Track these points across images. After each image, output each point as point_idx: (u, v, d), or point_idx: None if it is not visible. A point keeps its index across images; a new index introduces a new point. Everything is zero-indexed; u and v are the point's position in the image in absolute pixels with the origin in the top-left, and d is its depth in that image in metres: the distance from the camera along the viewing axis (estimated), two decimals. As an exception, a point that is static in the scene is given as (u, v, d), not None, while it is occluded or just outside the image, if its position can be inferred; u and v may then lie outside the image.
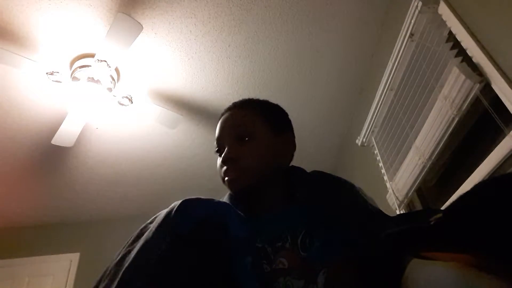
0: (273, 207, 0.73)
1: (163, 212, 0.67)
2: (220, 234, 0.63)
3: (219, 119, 0.83)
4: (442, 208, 0.44)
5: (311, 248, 0.64)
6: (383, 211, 0.71)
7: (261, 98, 0.86)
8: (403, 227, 0.40)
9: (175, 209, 0.65)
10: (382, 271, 0.55)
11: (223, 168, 0.73)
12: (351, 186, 0.76)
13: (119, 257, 0.61)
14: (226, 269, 0.59)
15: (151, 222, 0.67)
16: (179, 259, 0.59)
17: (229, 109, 0.83)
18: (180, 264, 0.58)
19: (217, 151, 0.78)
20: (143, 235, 0.64)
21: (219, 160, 0.76)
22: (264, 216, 0.72)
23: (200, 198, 0.69)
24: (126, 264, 0.58)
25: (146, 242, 0.61)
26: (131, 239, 0.65)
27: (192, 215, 0.64)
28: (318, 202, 0.69)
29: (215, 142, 0.79)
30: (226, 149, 0.74)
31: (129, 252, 0.61)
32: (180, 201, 0.67)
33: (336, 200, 0.71)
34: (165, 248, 0.59)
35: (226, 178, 0.73)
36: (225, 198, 0.79)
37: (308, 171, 0.81)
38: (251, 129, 0.75)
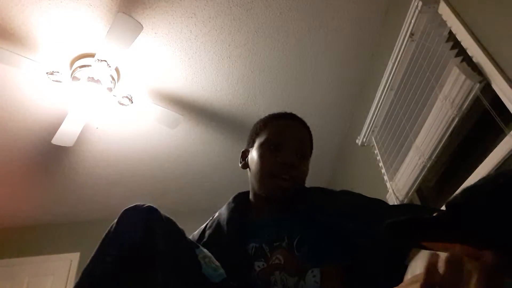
0: (272, 214, 0.80)
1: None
2: (150, 245, 0.62)
3: (280, 118, 0.89)
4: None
5: (303, 250, 0.70)
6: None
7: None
8: (404, 218, 0.41)
9: (115, 222, 0.64)
10: (386, 265, 0.56)
11: (281, 168, 0.77)
12: (346, 190, 0.84)
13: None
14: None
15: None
16: (127, 269, 0.58)
17: (296, 120, 0.89)
18: (129, 273, 0.58)
19: (272, 145, 0.81)
20: None
21: (276, 156, 0.79)
22: (263, 221, 0.79)
23: (137, 204, 0.67)
24: (78, 280, 0.59)
25: (93, 257, 0.62)
26: None
27: (137, 223, 0.62)
28: (313, 212, 0.76)
29: (271, 134, 0.83)
30: (290, 154, 0.79)
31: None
32: (119, 214, 0.65)
33: (332, 205, 0.77)
34: (112, 260, 0.59)
35: (283, 181, 0.77)
36: (226, 204, 0.85)
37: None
38: (308, 153, 0.86)
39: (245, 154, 0.91)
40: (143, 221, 0.62)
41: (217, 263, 0.65)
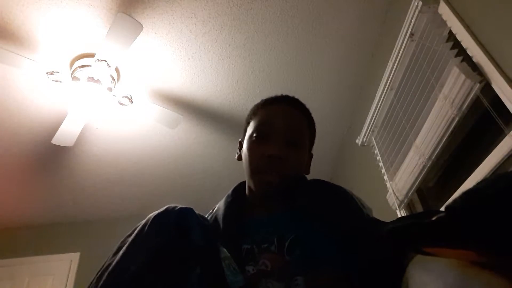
0: (267, 211, 0.73)
1: (139, 225, 0.65)
2: (185, 243, 0.61)
3: (270, 104, 0.81)
4: (445, 204, 0.44)
5: (293, 254, 0.63)
6: (380, 218, 0.69)
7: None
8: (405, 222, 0.40)
9: (149, 223, 0.62)
10: (384, 270, 0.54)
11: (268, 162, 0.71)
12: (350, 195, 0.75)
13: (99, 272, 0.60)
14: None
15: (129, 235, 0.65)
16: (157, 272, 0.57)
17: (288, 103, 0.80)
18: (159, 276, 0.56)
19: (259, 136, 0.75)
20: (121, 248, 0.62)
21: (263, 148, 0.73)
22: (257, 219, 0.73)
23: (168, 207, 0.65)
24: (104, 278, 0.57)
25: (123, 256, 0.59)
26: (112, 252, 0.63)
27: (167, 226, 0.61)
28: (314, 210, 0.69)
29: (258, 125, 0.77)
30: (276, 144, 0.72)
31: (108, 266, 0.60)
32: (153, 215, 0.64)
33: (333, 209, 0.70)
34: (142, 262, 0.57)
35: (269, 176, 0.71)
36: (225, 197, 0.79)
37: (308, 173, 0.82)
38: (302, 139, 0.77)
39: (241, 144, 0.84)
40: (172, 226, 0.60)
41: (235, 266, 0.61)
